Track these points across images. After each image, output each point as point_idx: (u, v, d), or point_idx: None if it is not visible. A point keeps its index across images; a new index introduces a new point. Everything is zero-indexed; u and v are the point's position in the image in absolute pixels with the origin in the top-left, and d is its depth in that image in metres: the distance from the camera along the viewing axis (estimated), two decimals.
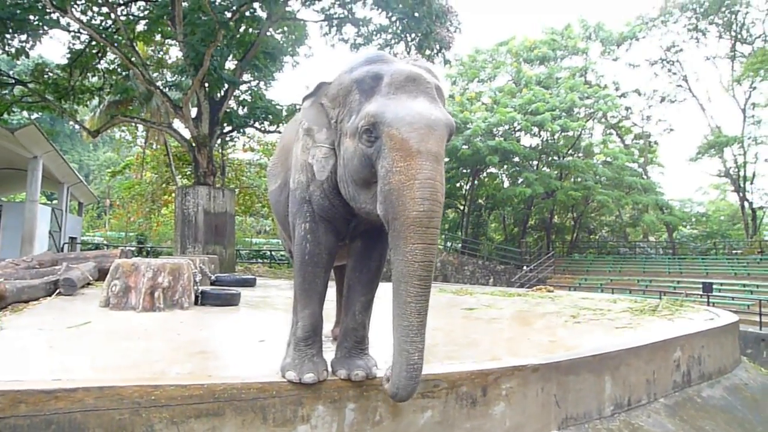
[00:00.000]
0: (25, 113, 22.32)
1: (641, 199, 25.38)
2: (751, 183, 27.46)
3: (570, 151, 27.45)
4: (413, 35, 15.31)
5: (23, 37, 14.49)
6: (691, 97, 28.95)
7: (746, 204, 27.11)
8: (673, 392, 4.15)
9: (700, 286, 16.05)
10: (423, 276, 2.06)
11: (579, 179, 26.49)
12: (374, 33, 15.83)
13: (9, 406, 2.08)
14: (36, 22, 13.98)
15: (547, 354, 3.49)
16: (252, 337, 4.00)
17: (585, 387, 3.40)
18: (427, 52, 15.14)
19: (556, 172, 26.94)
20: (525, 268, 23.37)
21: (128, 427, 2.21)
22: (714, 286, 16.19)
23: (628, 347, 3.83)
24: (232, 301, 5.95)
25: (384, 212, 2.11)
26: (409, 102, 2.15)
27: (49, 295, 5.59)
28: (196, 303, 5.62)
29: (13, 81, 16.79)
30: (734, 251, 25.49)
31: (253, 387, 2.41)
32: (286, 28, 17.64)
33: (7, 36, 14.16)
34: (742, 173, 27.01)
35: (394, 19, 15.33)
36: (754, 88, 26.65)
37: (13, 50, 14.63)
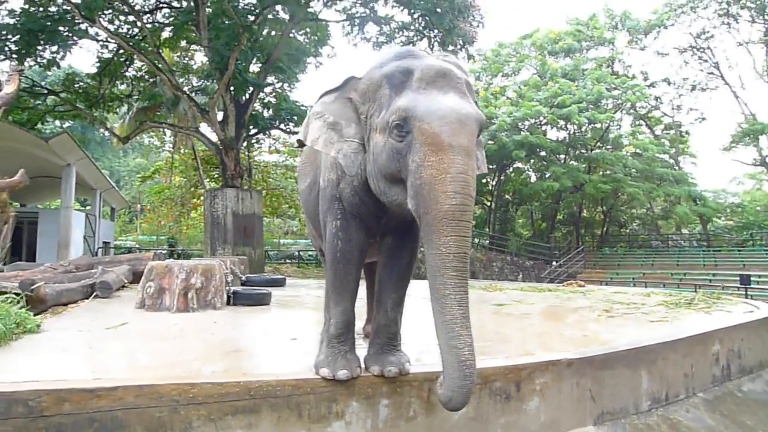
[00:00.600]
0: (57, 122, 22.92)
1: (673, 190, 24.85)
2: None
3: (598, 144, 27.04)
4: (436, 31, 15.26)
5: (54, 48, 14.85)
6: (723, 85, 28.27)
7: None
8: (713, 386, 4.05)
9: (737, 278, 15.65)
10: (459, 267, 2.02)
11: (608, 172, 26.08)
12: (396, 30, 15.83)
13: (54, 405, 2.14)
14: (66, 33, 14.35)
15: (581, 348, 3.44)
16: (284, 336, 4.03)
17: (621, 382, 3.34)
18: (450, 47, 15.07)
19: (584, 165, 26.58)
20: (554, 263, 23.10)
21: (167, 424, 2.25)
22: (752, 279, 15.77)
23: (664, 341, 3.76)
24: (263, 300, 6.01)
25: (415, 206, 2.10)
26: (440, 97, 2.14)
27: (87, 298, 5.73)
28: (228, 303, 5.69)
29: (46, 91, 17.25)
30: None
31: (287, 384, 2.43)
32: (308, 30, 17.75)
33: (39, 48, 14.53)
34: None
35: (416, 15, 15.32)
36: None
37: (44, 61, 15.03)
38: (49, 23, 13.63)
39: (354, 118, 2.45)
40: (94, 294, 5.89)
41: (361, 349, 2.80)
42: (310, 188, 3.09)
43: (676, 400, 3.66)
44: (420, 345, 3.49)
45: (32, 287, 4.57)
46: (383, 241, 2.77)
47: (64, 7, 13.70)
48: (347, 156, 2.43)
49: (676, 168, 27.68)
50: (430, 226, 2.04)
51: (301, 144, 2.71)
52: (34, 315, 3.98)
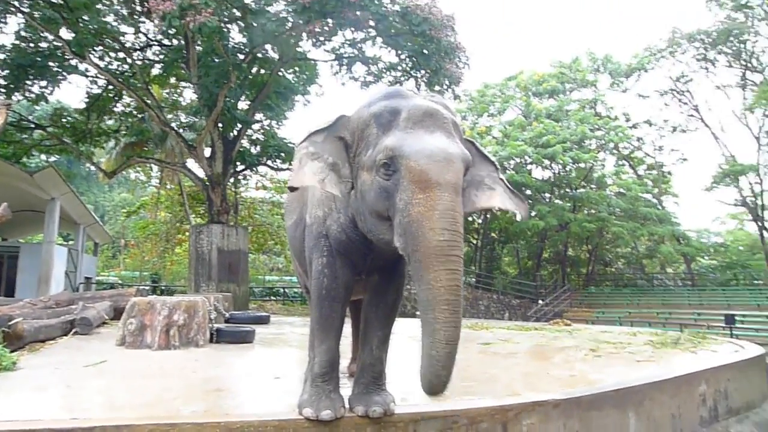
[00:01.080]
0: (43, 156, 22.78)
1: (657, 230, 25.12)
2: None
3: (582, 183, 27.38)
4: (423, 72, 15.54)
5: (43, 83, 14.89)
6: (703, 127, 28.86)
7: (765, 233, 26.72)
8: (701, 428, 4.02)
9: (722, 318, 15.72)
10: (450, 300, 2.01)
11: (593, 211, 26.35)
12: (384, 70, 16.10)
13: None
14: (56, 69, 14.43)
15: (568, 389, 3.41)
16: (267, 375, 3.96)
17: (608, 422, 3.31)
18: (437, 88, 15.32)
19: (569, 204, 26.84)
20: (540, 301, 23.09)
21: None
22: (736, 318, 15.84)
23: (651, 381, 3.74)
24: (246, 338, 5.92)
25: (404, 245, 2.11)
26: (427, 136, 2.18)
27: (66, 335, 5.62)
28: (211, 340, 5.60)
29: (33, 125, 17.22)
30: (756, 281, 25.01)
31: (269, 425, 2.38)
32: (297, 68, 17.99)
33: (28, 82, 14.57)
34: (759, 202, 26.70)
35: (403, 56, 15.61)
36: (767, 115, 26.57)
37: (33, 96, 15.05)
38: (39, 59, 13.72)
39: (345, 158, 2.43)
40: (74, 331, 5.77)
41: (346, 388, 2.76)
42: (296, 225, 3.08)
43: None
44: (405, 385, 3.43)
45: (9, 323, 4.48)
46: (369, 279, 2.76)
47: (55, 43, 13.82)
48: (346, 196, 2.44)
49: (660, 207, 28.04)
50: (420, 263, 2.05)
51: (293, 189, 2.63)
52: (11, 352, 3.89)
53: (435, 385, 2.07)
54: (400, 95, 2.38)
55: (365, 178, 2.29)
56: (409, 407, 2.70)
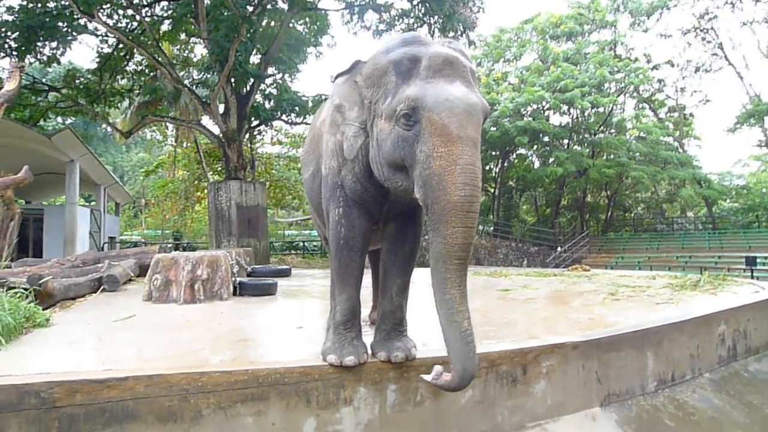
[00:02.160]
0: (59, 119, 22.93)
1: (678, 173, 24.70)
2: None
3: (601, 128, 26.88)
4: (436, 17, 15.17)
5: (54, 44, 14.82)
6: (727, 66, 27.96)
7: None
8: (719, 367, 4.06)
9: (743, 260, 15.61)
10: (462, 256, 2.09)
11: (612, 156, 25.92)
12: (396, 18, 15.75)
13: (65, 396, 2.17)
14: (65, 29, 14.31)
15: (587, 331, 3.45)
16: (291, 325, 4.06)
17: (627, 363, 3.36)
18: (451, 33, 14.97)
19: (587, 150, 26.44)
20: (559, 248, 23.09)
21: (178, 413, 2.28)
22: (758, 260, 15.73)
23: (670, 322, 3.77)
24: (269, 290, 6.04)
25: (423, 196, 2.14)
26: (448, 86, 2.16)
27: (94, 292, 5.77)
28: (234, 294, 5.72)
29: (47, 88, 17.27)
30: None
31: (295, 371, 2.46)
32: (307, 19, 17.66)
33: (39, 44, 14.51)
34: None
35: (416, 2, 15.24)
36: None
37: (44, 58, 15.00)
38: (47, 19, 13.59)
39: (358, 102, 2.46)
40: (102, 288, 5.93)
41: (368, 335, 2.82)
42: (313, 177, 3.09)
43: (682, 380, 3.68)
44: (426, 330, 3.50)
45: (40, 282, 4.61)
46: (386, 228, 2.79)
47: (63, 2, 13.68)
48: (348, 139, 2.46)
49: (681, 151, 27.52)
50: (439, 216, 2.08)
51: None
52: (43, 309, 4.02)
53: (460, 322, 2.11)
54: (420, 42, 2.35)
55: (383, 127, 2.29)
56: (429, 352, 2.75)
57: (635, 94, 28.42)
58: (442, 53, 2.25)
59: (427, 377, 2.30)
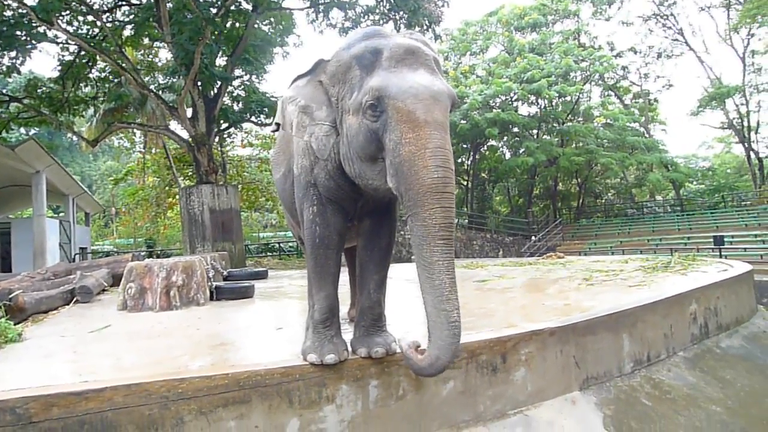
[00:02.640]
0: (22, 129, 22.38)
1: (645, 158, 25.19)
2: (756, 132, 27.25)
3: (569, 117, 27.27)
4: (401, 13, 15.17)
5: (12, 53, 14.39)
6: (688, 51, 28.67)
7: (752, 154, 26.90)
8: (692, 345, 4.17)
9: (711, 240, 16.00)
10: (445, 236, 2.07)
11: (581, 144, 26.33)
12: (362, 15, 15.69)
13: (42, 410, 2.13)
14: (24, 38, 13.91)
15: (563, 317, 3.51)
16: (270, 326, 4.04)
17: (603, 346, 3.42)
18: (417, 28, 14.99)
19: (557, 138, 26.80)
20: (533, 237, 23.35)
21: (158, 421, 2.25)
22: (725, 239, 16.14)
23: (643, 304, 3.85)
24: (246, 293, 6.00)
25: (396, 184, 2.14)
26: (411, 74, 2.18)
27: (67, 304, 5.66)
28: (211, 298, 5.67)
29: (8, 98, 16.77)
30: (743, 203, 25.35)
31: (276, 372, 2.45)
32: (272, 19, 17.50)
33: None
34: (745, 123, 26.77)
35: None
36: (752, 35, 26.32)
37: (4, 68, 14.58)
38: (5, 28, 13.18)
39: (325, 101, 2.46)
40: (75, 299, 5.82)
41: (347, 333, 2.83)
42: (285, 177, 3.08)
43: (657, 360, 3.77)
44: (405, 325, 3.52)
45: (10, 297, 4.51)
46: (361, 225, 2.79)
47: (20, 10, 13.30)
48: (319, 139, 2.45)
49: (647, 136, 28.08)
50: (414, 201, 2.08)
51: (278, 128, 2.72)
52: (15, 324, 3.92)
53: (450, 312, 2.07)
54: (380, 35, 2.37)
55: (351, 122, 2.29)
56: None
57: (600, 81, 28.90)
58: (404, 44, 2.27)
59: (403, 343, 2.33)
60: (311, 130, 2.47)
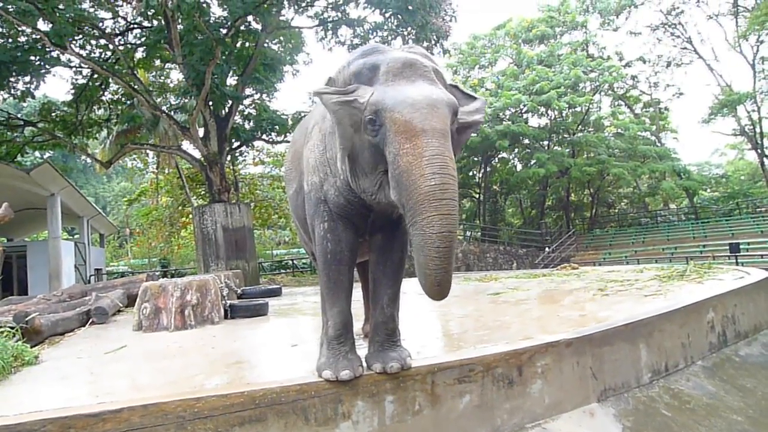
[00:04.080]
0: (37, 153, 22.68)
1: (657, 167, 25.02)
2: None
3: (580, 127, 27.22)
4: (409, 29, 15.28)
5: (27, 78, 14.70)
6: (697, 59, 28.53)
7: (766, 160, 26.62)
8: (710, 354, 4.11)
9: (727, 247, 15.81)
10: (441, 246, 2.02)
11: (592, 154, 26.22)
12: (370, 31, 15.83)
13: None
14: (38, 63, 14.21)
15: (579, 328, 3.48)
16: (284, 343, 4.04)
17: (620, 357, 3.38)
18: (425, 44, 15.09)
19: (567, 149, 26.72)
20: (547, 249, 23.20)
21: None
22: (741, 246, 15.95)
23: (659, 313, 3.80)
24: (260, 311, 6.01)
25: (398, 196, 2.12)
26: (408, 86, 2.19)
27: (83, 326, 5.70)
28: (226, 317, 5.69)
29: (23, 122, 17.08)
30: (758, 209, 25.04)
31: (291, 390, 2.44)
32: (282, 38, 17.74)
33: (12, 79, 14.39)
34: (758, 129, 26.53)
35: (388, 15, 15.35)
36: (762, 42, 26.14)
37: (18, 93, 14.87)
38: (19, 54, 13.49)
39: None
40: (90, 321, 5.86)
41: (362, 348, 2.82)
42: (296, 193, 3.10)
43: (675, 370, 3.71)
44: (420, 339, 3.51)
45: (26, 319, 4.55)
46: (373, 239, 2.79)
47: (34, 36, 13.58)
48: (334, 159, 2.49)
49: (659, 144, 27.93)
50: (413, 210, 2.05)
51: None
52: (32, 347, 3.96)
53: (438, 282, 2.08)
54: (377, 51, 2.40)
55: (356, 139, 2.31)
56: (425, 360, 2.76)
57: (610, 91, 28.85)
58: (401, 57, 2.29)
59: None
60: (326, 148, 2.52)
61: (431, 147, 2.05)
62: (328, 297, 2.65)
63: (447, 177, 2.04)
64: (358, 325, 3.58)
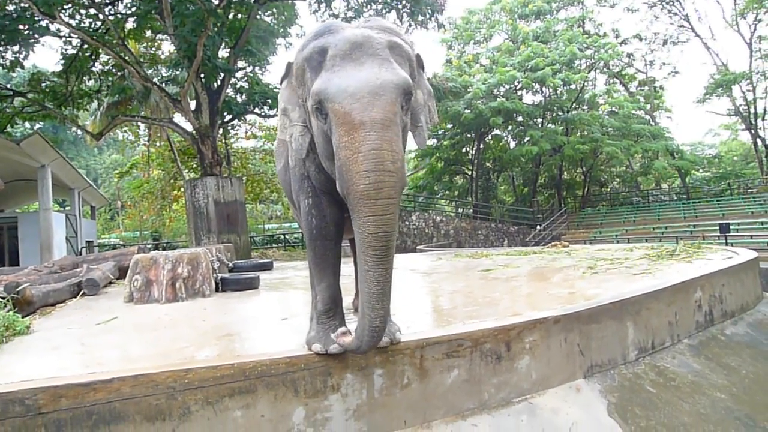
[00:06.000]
0: (27, 124, 22.40)
1: (650, 146, 25.07)
2: (763, 119, 27.05)
3: (574, 105, 27.14)
4: (404, 2, 15.10)
5: (16, 48, 14.43)
6: (694, 37, 28.47)
7: (759, 141, 26.72)
8: (697, 332, 4.16)
9: (717, 227, 15.94)
10: (377, 247, 2.00)
11: (585, 132, 26.24)
12: (364, 4, 15.65)
13: (51, 401, 2.15)
14: (27, 32, 13.93)
15: (568, 305, 3.51)
16: (275, 317, 4.06)
17: (607, 334, 3.42)
18: (420, 17, 14.93)
19: (561, 127, 26.68)
20: (538, 227, 23.32)
21: (166, 411, 2.27)
22: (731, 227, 16.08)
23: (647, 291, 3.84)
24: (251, 284, 6.02)
25: (340, 188, 2.08)
26: (354, 71, 2.10)
27: (74, 297, 5.69)
28: (217, 290, 5.70)
29: (12, 93, 16.82)
30: (750, 190, 25.23)
31: (281, 362, 2.46)
32: (275, 10, 17.47)
33: (0, 49, 14.13)
34: (752, 110, 26.57)
35: None
36: (759, 20, 26.06)
37: (7, 62, 14.62)
38: (7, 23, 13.21)
39: (296, 102, 2.48)
40: (82, 292, 5.85)
41: (352, 322, 2.83)
42: (285, 169, 3.10)
43: (662, 347, 3.77)
44: (410, 314, 3.53)
45: (17, 290, 4.54)
46: None
47: (22, 4, 13.30)
48: (296, 139, 2.49)
49: (653, 123, 27.94)
50: (352, 207, 2.03)
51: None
52: (23, 317, 3.96)
53: (373, 318, 2.12)
54: (329, 31, 2.29)
55: (314, 124, 2.30)
56: (414, 335, 2.78)
57: (605, 69, 28.77)
58: (349, 38, 2.18)
59: (334, 336, 2.47)
60: (290, 131, 2.51)
61: (368, 141, 1.97)
62: (316, 272, 2.67)
63: (383, 174, 1.97)
64: (348, 299, 3.60)
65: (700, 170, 30.88)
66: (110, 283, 6.82)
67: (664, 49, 29.93)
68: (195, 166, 21.69)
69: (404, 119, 2.18)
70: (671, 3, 28.69)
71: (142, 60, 17.68)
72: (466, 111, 24.00)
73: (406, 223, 21.57)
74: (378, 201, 1.97)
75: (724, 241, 14.08)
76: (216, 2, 14.35)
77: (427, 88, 2.63)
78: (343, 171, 2.02)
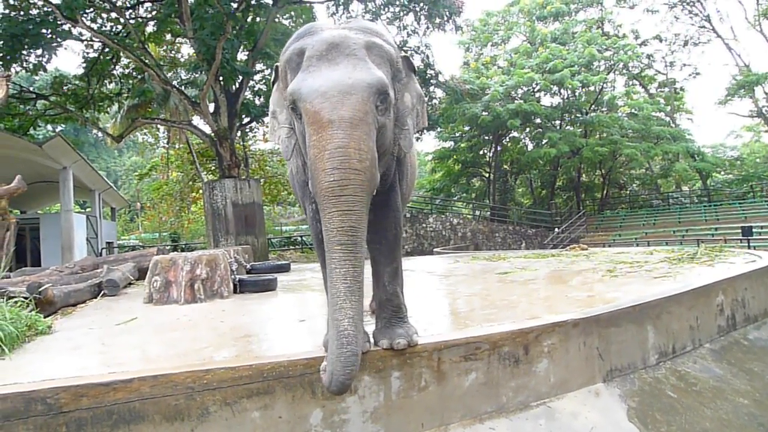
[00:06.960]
0: (49, 126, 22.82)
1: (671, 148, 24.72)
2: None
3: (593, 107, 26.90)
4: (421, 4, 15.10)
5: (39, 51, 14.68)
6: (715, 38, 28.03)
7: None
8: (719, 337, 4.09)
9: (739, 231, 15.68)
10: (342, 241, 1.99)
11: (604, 134, 25.96)
12: (382, 7, 15.68)
13: (72, 401, 2.18)
14: (49, 36, 14.18)
15: (587, 308, 3.47)
16: (293, 318, 4.07)
17: (627, 338, 3.38)
18: (437, 20, 14.92)
19: (580, 129, 26.45)
20: (556, 229, 23.12)
21: (184, 411, 2.29)
22: (754, 230, 15.81)
23: (668, 295, 3.78)
24: (269, 286, 6.05)
25: (311, 187, 2.09)
26: (327, 71, 2.11)
27: (95, 297, 5.77)
28: (235, 291, 5.73)
29: (35, 96, 17.14)
30: None
31: (299, 363, 2.47)
32: (293, 13, 17.60)
33: (23, 52, 14.39)
34: None
35: None
36: None
37: (30, 66, 14.88)
38: (31, 27, 13.46)
39: (284, 104, 2.48)
40: (102, 293, 5.93)
41: (369, 324, 2.83)
42: (292, 174, 3.12)
43: (683, 352, 3.71)
44: (427, 316, 3.53)
45: (40, 290, 4.61)
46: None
47: (45, 9, 13.55)
48: (283, 141, 2.51)
49: (673, 125, 27.57)
50: (319, 204, 2.04)
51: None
52: (45, 317, 4.02)
53: (340, 320, 1.99)
54: (310, 32, 2.32)
55: (297, 125, 2.31)
56: (432, 337, 2.77)
57: (625, 71, 28.43)
58: (326, 39, 2.19)
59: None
60: (278, 134, 2.53)
61: (335, 139, 1.98)
62: (326, 276, 2.67)
63: (348, 171, 1.97)
64: (366, 301, 3.59)
65: (722, 172, 30.36)
66: (130, 283, 6.90)
67: (685, 50, 29.53)
68: (213, 168, 21.89)
69: (380, 119, 2.17)
70: (692, 4, 28.30)
71: (161, 63, 17.91)
72: (484, 113, 23.90)
73: (423, 225, 21.53)
74: (342, 198, 1.97)
75: (746, 244, 13.85)
76: (235, 5, 14.49)
77: (417, 91, 2.61)
78: (312, 169, 2.04)
